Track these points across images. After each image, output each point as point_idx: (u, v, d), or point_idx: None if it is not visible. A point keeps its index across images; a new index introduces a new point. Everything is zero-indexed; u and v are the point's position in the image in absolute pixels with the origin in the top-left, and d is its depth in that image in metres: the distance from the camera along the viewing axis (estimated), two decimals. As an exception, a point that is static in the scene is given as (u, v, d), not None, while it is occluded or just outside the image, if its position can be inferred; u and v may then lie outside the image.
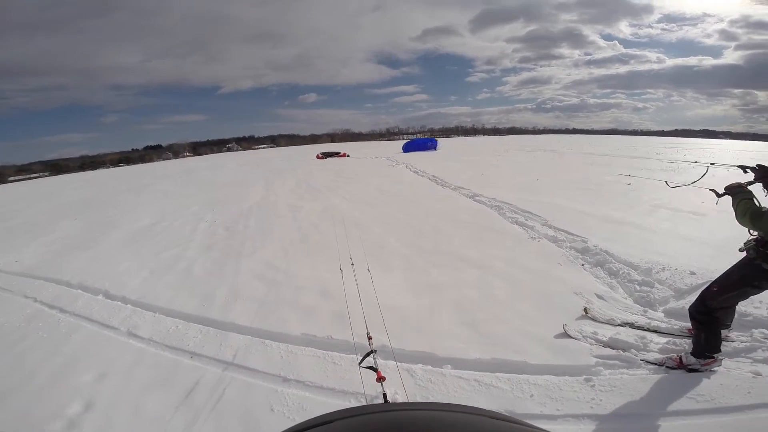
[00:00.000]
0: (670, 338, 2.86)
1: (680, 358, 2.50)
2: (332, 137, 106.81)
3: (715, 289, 2.43)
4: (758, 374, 2.37)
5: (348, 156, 27.02)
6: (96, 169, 62.90)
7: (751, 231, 2.37)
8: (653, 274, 3.96)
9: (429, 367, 2.72)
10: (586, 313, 3.25)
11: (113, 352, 3.28)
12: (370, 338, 1.86)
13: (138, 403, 2.59)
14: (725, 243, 4.78)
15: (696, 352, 2.43)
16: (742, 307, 2.88)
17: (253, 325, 3.49)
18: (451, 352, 2.84)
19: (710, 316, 2.41)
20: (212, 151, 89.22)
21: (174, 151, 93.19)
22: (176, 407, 2.52)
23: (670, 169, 12.66)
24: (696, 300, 2.54)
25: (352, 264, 3.63)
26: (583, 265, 4.46)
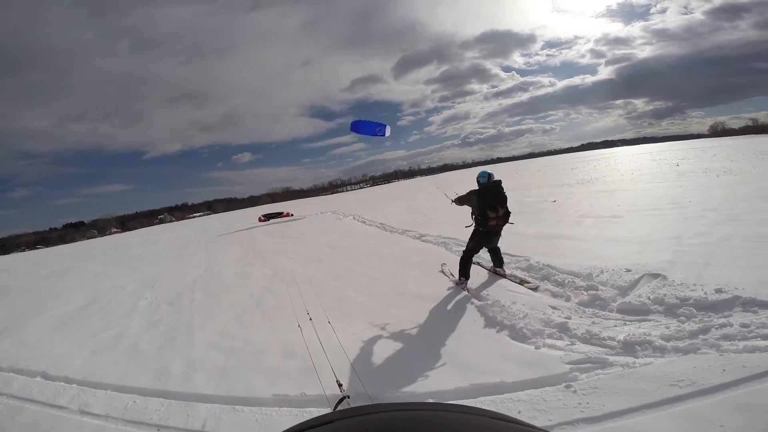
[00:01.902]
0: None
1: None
2: (272, 197, 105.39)
3: (470, 244, 4.84)
4: (723, 351, 2.55)
5: (292, 215, 26.55)
6: (9, 254, 55.01)
7: (472, 213, 4.90)
8: (594, 278, 4.26)
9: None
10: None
11: (69, 430, 3.14)
12: (340, 385, 1.88)
13: None
14: (646, 238, 5.37)
15: (460, 275, 4.82)
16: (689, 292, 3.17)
17: (219, 393, 3.30)
18: (430, 387, 2.83)
19: (465, 259, 4.80)
20: (143, 225, 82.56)
21: (99, 227, 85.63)
22: None
23: (585, 181, 14.12)
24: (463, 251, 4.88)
25: (311, 320, 3.53)
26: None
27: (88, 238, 67.26)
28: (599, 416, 2.21)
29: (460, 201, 4.98)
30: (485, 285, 4.75)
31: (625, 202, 8.38)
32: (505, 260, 5.38)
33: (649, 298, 3.52)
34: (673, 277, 3.83)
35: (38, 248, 61.35)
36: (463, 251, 4.86)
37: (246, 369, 3.68)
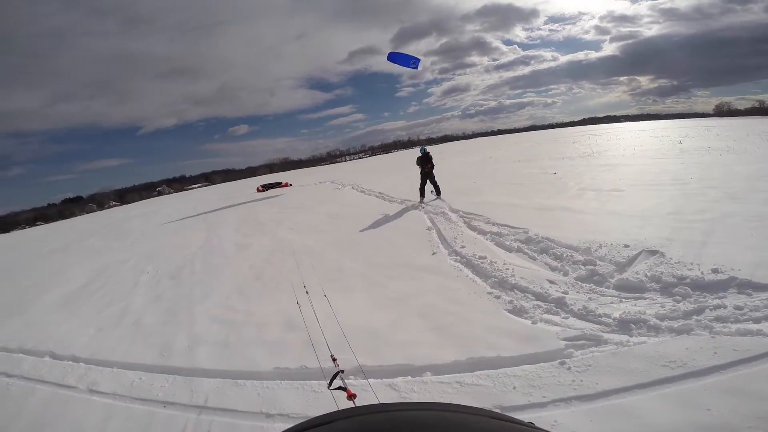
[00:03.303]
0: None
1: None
2: (271, 167, 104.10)
3: (421, 182, 9.58)
4: (715, 333, 2.59)
5: (290, 185, 26.35)
6: (8, 232, 54.98)
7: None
8: (593, 252, 4.27)
9: (409, 377, 2.74)
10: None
11: (79, 411, 3.17)
12: (334, 359, 1.88)
13: None
14: (646, 212, 5.35)
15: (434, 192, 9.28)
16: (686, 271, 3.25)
17: (221, 367, 3.38)
18: (427, 360, 2.87)
19: (420, 188, 9.46)
20: (141, 197, 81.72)
21: (98, 201, 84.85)
22: None
23: (587, 154, 13.95)
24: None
25: (308, 292, 3.53)
26: (528, 253, 4.72)
27: (87, 213, 66.68)
28: (593, 395, 2.26)
29: (417, 162, 9.79)
30: (482, 252, 4.76)
31: (626, 176, 8.31)
32: (503, 231, 5.57)
33: (646, 275, 3.54)
34: (671, 254, 3.84)
35: (38, 225, 60.92)
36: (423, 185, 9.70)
37: (247, 342, 3.73)
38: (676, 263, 3.66)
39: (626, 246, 4.23)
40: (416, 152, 10.30)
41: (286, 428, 0.59)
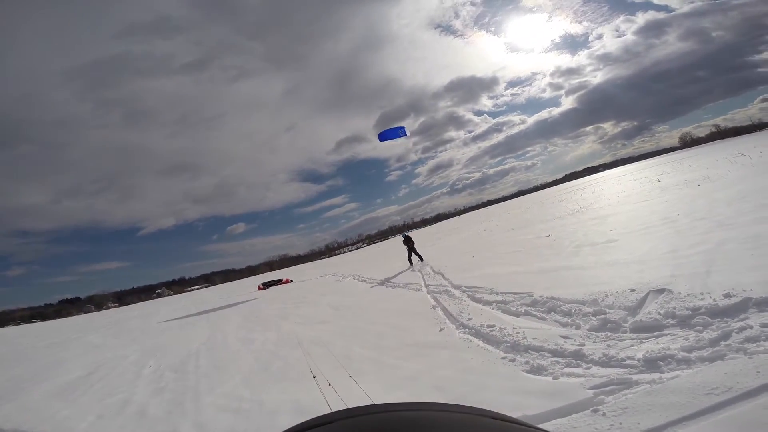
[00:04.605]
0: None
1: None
2: (270, 265, 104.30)
3: (409, 253, 13.94)
4: (750, 354, 2.47)
5: (291, 281, 26.23)
6: (3, 327, 52.21)
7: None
8: (600, 302, 4.18)
9: None
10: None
11: None
12: None
13: None
14: (644, 256, 5.37)
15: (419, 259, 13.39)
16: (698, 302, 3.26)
17: None
18: None
19: (408, 258, 13.78)
20: (140, 299, 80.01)
21: (96, 302, 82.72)
22: None
23: (575, 211, 14.35)
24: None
25: (315, 378, 3.36)
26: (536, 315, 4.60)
27: (85, 313, 64.70)
28: None
29: (403, 243, 14.28)
30: (489, 321, 4.62)
31: (617, 225, 8.47)
32: (508, 299, 5.53)
33: (659, 313, 3.45)
34: (678, 289, 3.79)
35: (34, 322, 58.72)
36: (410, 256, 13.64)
37: (257, 430, 3.55)
38: (685, 296, 3.59)
39: (632, 290, 4.16)
40: (402, 238, 14.82)
41: (286, 429, 0.59)
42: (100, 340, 14.30)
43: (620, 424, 2.20)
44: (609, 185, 21.39)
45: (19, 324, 58.63)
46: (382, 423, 0.57)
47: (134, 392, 5.67)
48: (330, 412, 0.61)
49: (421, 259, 13.35)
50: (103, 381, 6.82)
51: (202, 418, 4.14)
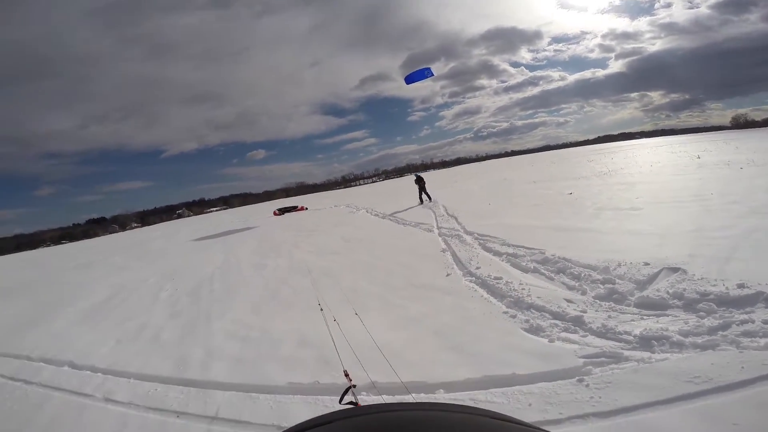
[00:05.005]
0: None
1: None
2: (287, 192, 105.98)
3: (420, 192, 15.13)
4: (743, 348, 2.50)
5: (306, 209, 26.80)
6: (35, 248, 57.10)
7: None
8: (611, 271, 4.19)
9: (422, 394, 2.71)
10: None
11: (94, 418, 3.27)
12: (347, 374, 1.87)
13: None
14: (666, 230, 5.24)
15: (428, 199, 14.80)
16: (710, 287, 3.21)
17: (235, 381, 3.41)
18: (441, 377, 2.86)
19: (419, 197, 15.09)
20: (162, 220, 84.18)
21: (120, 222, 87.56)
22: None
23: (603, 173, 13.81)
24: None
25: (321, 310, 3.57)
26: (545, 274, 4.64)
27: (110, 233, 68.96)
28: (611, 411, 2.20)
29: (415, 182, 15.61)
30: (497, 273, 4.71)
31: (644, 194, 8.17)
32: (519, 252, 5.53)
33: (668, 292, 3.45)
34: (693, 271, 3.74)
35: (63, 242, 63.31)
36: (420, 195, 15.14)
37: (262, 357, 3.77)
38: (699, 280, 3.55)
39: (646, 264, 4.14)
40: (425, 176, 16.01)
41: (286, 429, 0.59)
42: (123, 262, 14.96)
43: (600, 398, 2.31)
44: (643, 153, 20.17)
45: (49, 245, 62.05)
46: (382, 423, 0.57)
47: (151, 316, 6.00)
48: (330, 412, 0.62)
49: (429, 199, 14.71)
50: (124, 305, 7.15)
51: (212, 344, 4.38)
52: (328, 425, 0.56)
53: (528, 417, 2.26)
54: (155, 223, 78.14)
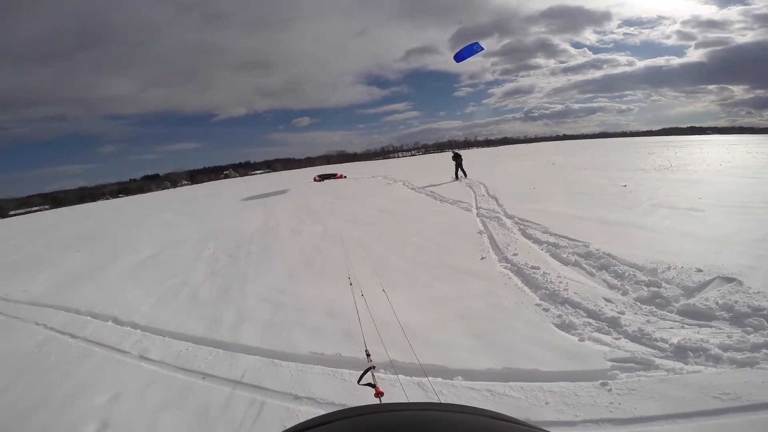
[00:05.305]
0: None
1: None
2: (328, 159, 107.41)
3: (456, 168, 15.47)
4: None
5: (345, 177, 27.15)
6: (95, 201, 62.65)
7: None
8: (659, 273, 3.95)
9: (439, 379, 2.72)
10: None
11: (126, 375, 3.40)
12: (368, 355, 1.88)
13: (152, 423, 2.65)
14: (727, 237, 4.82)
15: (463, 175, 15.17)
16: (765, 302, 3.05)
17: (261, 345, 3.55)
18: (461, 364, 2.85)
19: (455, 174, 15.26)
20: (209, 179, 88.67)
21: (172, 180, 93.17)
22: (190, 426, 2.56)
23: (664, 167, 12.76)
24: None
25: (352, 284, 3.65)
26: (586, 269, 4.45)
27: (161, 189, 73.78)
28: (627, 419, 2.15)
29: (452, 159, 15.87)
30: (535, 262, 4.59)
31: (708, 194, 7.49)
32: (561, 243, 5.35)
33: (717, 302, 3.23)
34: (750, 283, 3.44)
35: (120, 196, 68.76)
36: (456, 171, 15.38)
37: (290, 325, 3.90)
38: (754, 293, 3.28)
39: (699, 270, 3.86)
40: (463, 154, 16.60)
41: (286, 429, 0.60)
42: (171, 217, 15.85)
43: (619, 404, 2.25)
44: (713, 150, 18.18)
45: (108, 198, 67.14)
46: (382, 423, 0.58)
47: (191, 275, 6.26)
48: (329, 412, 0.63)
49: (465, 175, 15.14)
50: (168, 261, 7.57)
51: (244, 306, 4.54)
52: (328, 425, 0.57)
53: (542, 416, 2.26)
54: (203, 181, 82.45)
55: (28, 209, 65.59)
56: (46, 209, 60.56)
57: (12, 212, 60.61)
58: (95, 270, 7.80)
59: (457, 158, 15.69)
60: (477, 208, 8.82)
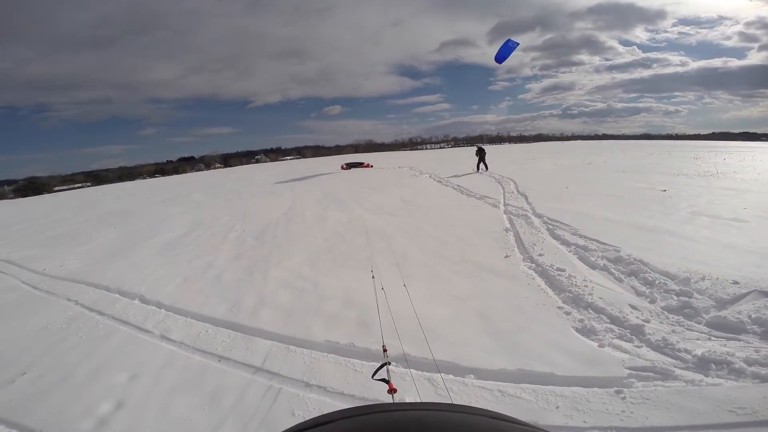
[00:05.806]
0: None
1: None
2: (356, 148, 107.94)
3: (479, 161, 17.05)
4: None
5: (371, 166, 27.27)
6: (133, 180, 65.89)
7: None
8: (692, 283, 3.80)
9: (451, 376, 2.72)
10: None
11: (146, 354, 3.47)
12: (385, 350, 1.85)
13: (166, 404, 2.73)
14: (772, 251, 4.53)
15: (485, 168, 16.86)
16: None
17: (278, 331, 3.61)
18: (474, 362, 2.84)
19: (477, 165, 17.03)
20: (242, 163, 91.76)
21: (206, 162, 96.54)
22: (202, 408, 2.65)
23: (709, 174, 12.03)
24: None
25: (374, 276, 3.68)
26: (614, 274, 4.32)
27: (196, 171, 76.89)
28: (637, 428, 2.11)
29: (476, 154, 17.28)
30: (561, 264, 4.50)
31: (754, 205, 7.03)
32: (590, 246, 5.21)
33: (749, 316, 3.08)
34: (792, 301, 3.25)
35: (156, 176, 72.00)
36: (478, 164, 17.00)
37: (308, 311, 3.97)
38: (795, 311, 3.10)
39: (735, 283, 3.68)
40: (476, 148, 17.74)
41: (285, 429, 0.60)
42: (202, 198, 16.47)
43: (631, 413, 2.21)
44: (766, 159, 16.96)
45: (145, 178, 70.16)
46: (382, 423, 0.58)
47: (217, 256, 6.39)
48: (330, 412, 0.63)
49: (486, 168, 16.68)
50: (196, 242, 7.74)
51: (265, 290, 4.61)
52: (328, 425, 0.57)
53: (551, 420, 2.25)
54: (235, 165, 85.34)
55: (72, 186, 69.61)
56: (88, 186, 64.42)
57: (56, 188, 64.56)
58: (128, 247, 8.12)
59: (481, 152, 17.16)
60: (505, 204, 8.68)
